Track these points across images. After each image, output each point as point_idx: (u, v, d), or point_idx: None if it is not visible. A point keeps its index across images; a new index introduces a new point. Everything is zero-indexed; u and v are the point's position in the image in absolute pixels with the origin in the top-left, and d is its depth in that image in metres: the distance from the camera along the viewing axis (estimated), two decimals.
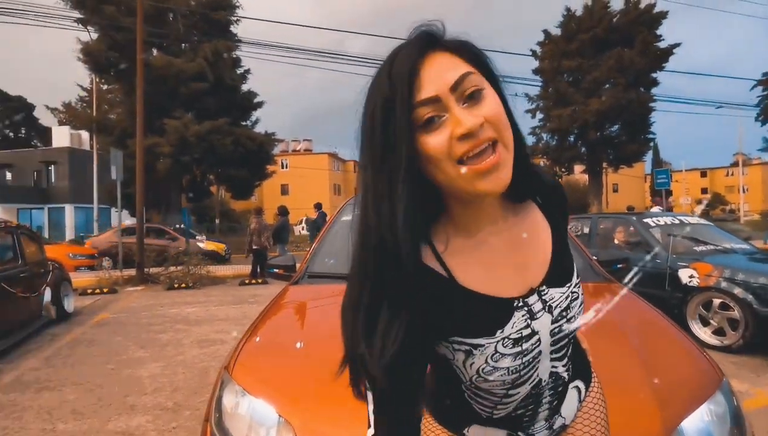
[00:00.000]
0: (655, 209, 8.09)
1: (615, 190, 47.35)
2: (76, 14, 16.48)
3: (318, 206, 9.89)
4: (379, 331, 0.53)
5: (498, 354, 0.60)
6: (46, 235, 20.08)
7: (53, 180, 27.45)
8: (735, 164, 48.58)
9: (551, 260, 0.64)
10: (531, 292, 0.62)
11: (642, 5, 21.70)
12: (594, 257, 2.16)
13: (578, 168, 27.47)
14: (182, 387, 3.22)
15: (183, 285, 8.31)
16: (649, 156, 32.04)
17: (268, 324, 1.70)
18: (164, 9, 17.95)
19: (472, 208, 0.60)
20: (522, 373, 0.63)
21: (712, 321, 4.06)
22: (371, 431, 0.62)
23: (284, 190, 41.51)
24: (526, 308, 0.61)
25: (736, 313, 3.85)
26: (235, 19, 20.45)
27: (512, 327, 0.60)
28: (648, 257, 4.71)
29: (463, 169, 0.52)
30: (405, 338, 0.53)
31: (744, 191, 41.12)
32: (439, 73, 0.52)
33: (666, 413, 1.02)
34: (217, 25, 19.92)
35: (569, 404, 0.73)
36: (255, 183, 22.19)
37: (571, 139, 23.82)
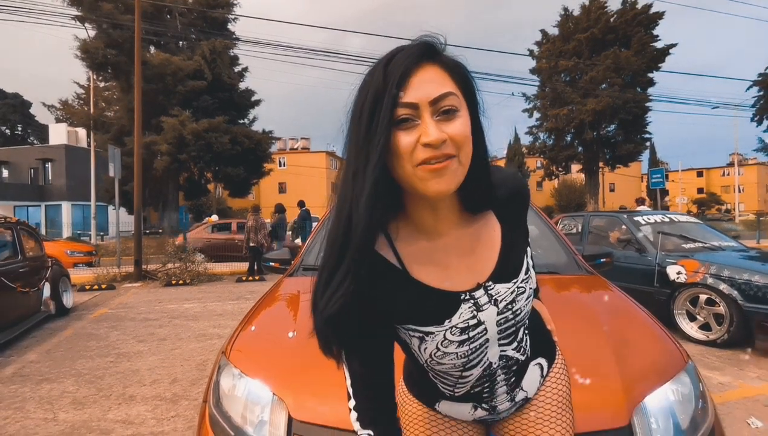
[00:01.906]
0: (643, 208, 8.24)
1: (612, 190, 47.59)
2: (74, 11, 16.45)
3: (301, 204, 10.06)
4: (330, 289, 0.61)
5: (447, 341, 0.69)
6: (43, 232, 20.03)
7: (50, 177, 27.40)
8: (731, 164, 48.85)
9: (498, 259, 0.72)
10: (478, 287, 0.70)
11: (639, 5, 21.83)
12: (578, 252, 2.25)
13: (575, 167, 27.62)
14: (180, 379, 3.29)
15: (181, 282, 8.37)
16: (645, 156, 32.17)
17: (263, 313, 1.77)
18: (162, 6, 17.93)
19: (430, 213, 0.68)
20: (471, 357, 0.72)
21: (698, 316, 4.15)
22: (352, 401, 0.71)
23: (282, 188, 41.53)
24: (472, 301, 0.70)
25: (721, 308, 3.95)
26: (232, 17, 20.43)
27: (459, 317, 0.69)
28: (637, 254, 4.81)
29: (418, 170, 0.58)
30: (346, 302, 0.60)
31: (740, 191, 41.41)
32: (426, 85, 0.58)
33: (630, 390, 1.10)
34: (215, 23, 19.92)
35: (531, 380, 0.82)
36: (252, 181, 22.26)
37: (568, 138, 23.97)
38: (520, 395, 0.81)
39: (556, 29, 23.65)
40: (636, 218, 5.15)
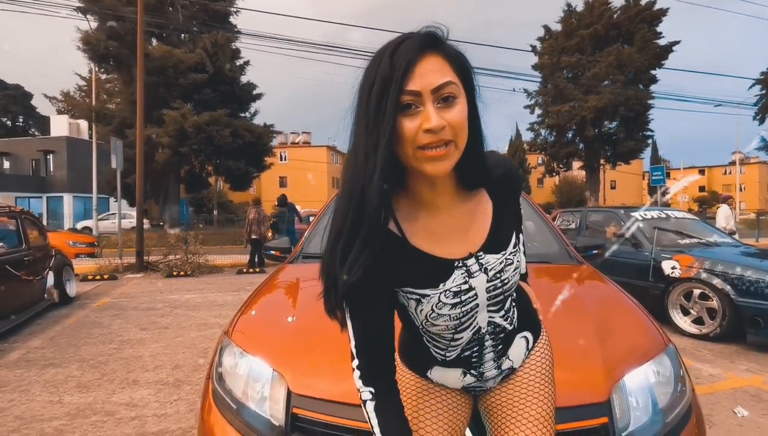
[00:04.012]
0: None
1: (613, 187, 47.56)
2: (76, 2, 16.41)
3: (281, 201, 9.85)
4: (351, 257, 0.67)
5: (441, 303, 0.77)
6: (44, 223, 20.10)
7: (51, 169, 27.45)
8: (733, 163, 48.77)
9: (489, 232, 0.80)
10: (470, 256, 0.78)
11: (642, 2, 21.71)
12: (571, 243, 2.31)
13: (576, 164, 27.58)
14: (182, 365, 3.37)
15: (182, 273, 8.45)
16: (647, 153, 32.12)
17: (263, 299, 1.84)
18: None
19: (430, 188, 0.75)
20: (462, 320, 0.80)
21: (692, 311, 4.22)
22: (355, 361, 0.77)
23: (283, 182, 41.54)
24: (464, 268, 0.77)
25: (714, 303, 4.01)
26: (234, 9, 20.37)
27: (452, 282, 0.76)
28: (633, 249, 4.87)
29: (417, 153, 0.66)
30: (367, 269, 0.67)
31: (741, 190, 41.35)
32: (428, 74, 0.64)
33: (610, 369, 1.16)
34: (217, 16, 19.86)
35: (517, 351, 0.89)
36: (253, 175, 22.25)
37: (569, 135, 23.93)
38: (506, 364, 0.88)
39: (559, 25, 23.54)
40: (632, 214, 5.21)
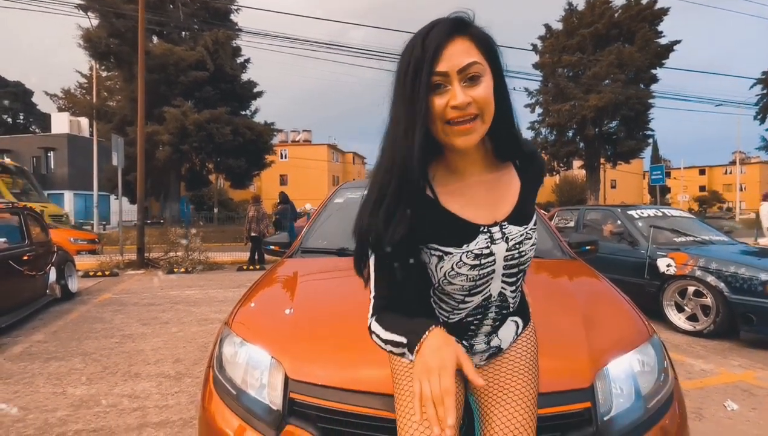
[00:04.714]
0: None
1: (613, 187, 47.56)
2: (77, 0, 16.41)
3: (284, 197, 9.97)
4: (396, 218, 0.77)
5: (462, 263, 0.83)
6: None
7: (52, 166, 27.49)
8: (734, 162, 48.76)
9: (516, 204, 0.87)
10: (495, 224, 0.85)
11: (643, 1, 21.69)
12: (565, 240, 2.36)
13: (576, 163, 27.58)
14: (183, 359, 3.42)
15: (182, 270, 8.51)
16: (648, 153, 32.12)
17: (262, 292, 1.88)
18: None
19: (461, 158, 0.84)
20: (478, 283, 0.86)
21: (686, 308, 4.27)
22: (372, 303, 0.85)
23: (283, 180, 41.59)
24: (488, 234, 0.84)
25: (708, 300, 4.06)
26: (235, 7, 20.37)
27: (476, 245, 0.83)
28: (629, 247, 4.91)
29: (447, 128, 0.74)
30: (407, 229, 0.77)
31: (741, 190, 41.33)
32: (455, 56, 0.72)
33: (595, 356, 1.20)
34: (218, 14, 19.87)
35: (507, 331, 0.95)
36: (253, 172, 22.31)
37: (570, 134, 23.93)
38: (494, 342, 0.93)
39: (560, 24, 23.53)
40: (629, 212, 5.25)
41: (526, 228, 0.86)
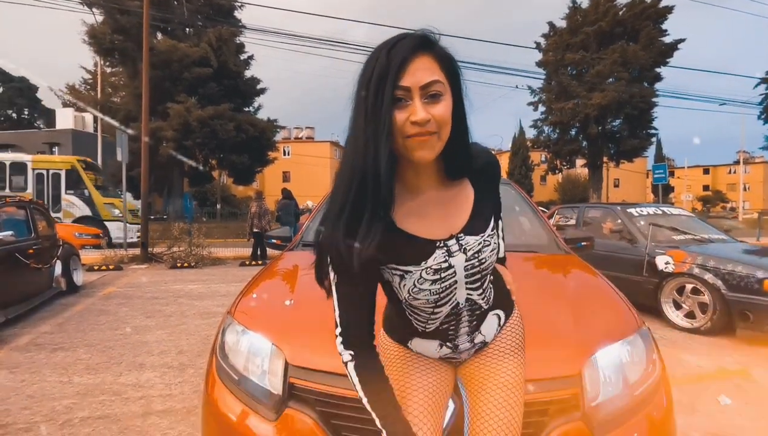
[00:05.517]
0: None
1: (616, 186, 47.38)
2: None
3: (288, 193, 9.98)
4: (360, 233, 0.75)
5: (422, 279, 0.85)
6: None
7: None
8: (738, 162, 48.46)
9: (470, 216, 0.88)
10: (451, 237, 0.87)
11: None
12: (561, 235, 2.40)
13: (579, 162, 27.53)
14: (186, 351, 3.49)
15: (186, 265, 8.59)
16: (651, 151, 31.99)
17: (264, 283, 1.94)
18: None
19: (414, 174, 0.85)
20: (442, 295, 0.88)
21: (684, 305, 4.30)
22: (339, 329, 0.86)
23: (286, 177, 41.68)
24: (445, 248, 0.86)
25: (706, 297, 4.09)
26: (238, 4, 20.39)
27: (434, 260, 0.85)
28: (628, 245, 4.94)
29: (405, 142, 0.75)
30: (376, 246, 0.75)
31: (745, 189, 41.14)
32: (418, 72, 0.73)
33: (583, 345, 1.25)
34: (221, 10, 19.90)
35: (489, 327, 0.98)
36: (256, 169, 22.37)
37: (573, 132, 23.89)
38: (478, 339, 0.97)
39: (564, 22, 23.45)
40: (629, 210, 5.28)
41: (483, 236, 0.87)
